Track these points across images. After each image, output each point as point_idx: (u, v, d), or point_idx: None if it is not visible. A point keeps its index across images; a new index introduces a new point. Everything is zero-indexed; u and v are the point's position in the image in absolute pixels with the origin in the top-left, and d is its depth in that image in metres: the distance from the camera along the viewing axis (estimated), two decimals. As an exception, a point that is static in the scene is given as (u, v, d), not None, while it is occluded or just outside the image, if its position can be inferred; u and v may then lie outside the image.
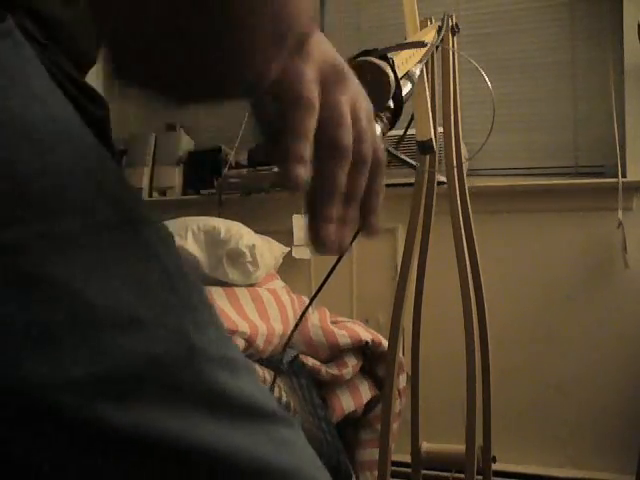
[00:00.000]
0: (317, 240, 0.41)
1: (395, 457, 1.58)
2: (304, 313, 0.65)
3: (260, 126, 0.43)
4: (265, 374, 1.58)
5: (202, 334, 0.38)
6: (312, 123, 0.39)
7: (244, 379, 0.39)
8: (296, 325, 0.78)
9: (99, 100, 0.46)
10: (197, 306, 0.39)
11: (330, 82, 0.41)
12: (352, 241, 0.46)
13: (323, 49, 0.43)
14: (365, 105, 0.44)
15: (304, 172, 0.38)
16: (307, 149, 0.38)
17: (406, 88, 0.64)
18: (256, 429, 0.38)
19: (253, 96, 0.40)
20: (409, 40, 1.05)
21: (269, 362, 1.67)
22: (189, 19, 0.31)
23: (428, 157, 1.42)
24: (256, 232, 2.06)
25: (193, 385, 0.36)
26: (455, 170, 1.43)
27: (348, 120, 0.42)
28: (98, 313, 0.34)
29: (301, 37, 0.38)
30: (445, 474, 1.97)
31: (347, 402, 1.81)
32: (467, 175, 1.56)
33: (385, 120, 0.59)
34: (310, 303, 0.63)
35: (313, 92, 0.40)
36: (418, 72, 0.72)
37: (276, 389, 1.55)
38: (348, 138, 0.41)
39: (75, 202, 0.35)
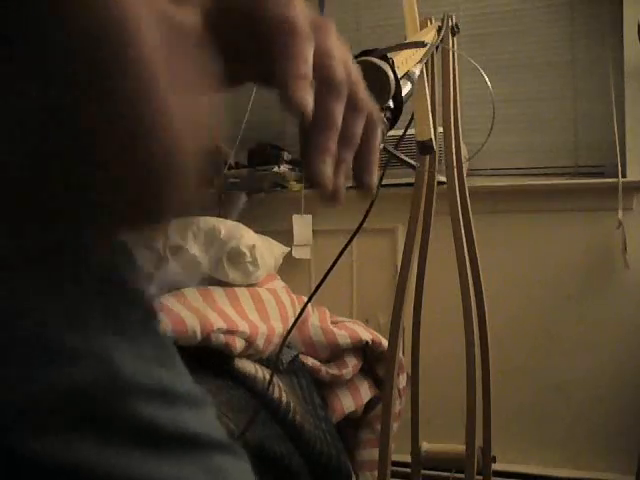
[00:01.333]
0: (312, 174, 0.38)
1: (395, 457, 1.58)
2: (303, 310, 0.65)
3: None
4: (265, 374, 1.58)
5: (137, 367, 0.36)
6: (311, 50, 0.37)
7: (178, 409, 0.38)
8: (294, 323, 0.78)
9: None
10: (134, 333, 0.38)
11: (317, 26, 0.39)
12: (352, 238, 0.45)
13: (304, 6, 0.41)
14: (351, 59, 0.43)
15: (309, 93, 0.36)
16: (309, 71, 0.36)
17: (406, 88, 0.64)
18: (188, 459, 0.37)
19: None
20: (409, 40, 1.05)
21: (269, 362, 1.67)
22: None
23: (428, 157, 1.42)
24: (256, 232, 2.06)
25: (118, 415, 0.35)
26: (455, 170, 1.43)
27: (341, 60, 0.40)
28: (19, 340, 0.32)
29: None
30: (445, 474, 1.97)
31: (347, 402, 1.81)
32: (467, 175, 1.56)
33: (385, 120, 0.59)
34: (309, 300, 0.63)
35: (307, 24, 0.38)
36: (418, 72, 0.72)
37: (276, 389, 1.55)
38: (342, 73, 0.39)
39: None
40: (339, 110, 0.39)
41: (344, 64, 0.40)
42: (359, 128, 0.41)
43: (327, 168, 0.38)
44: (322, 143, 0.38)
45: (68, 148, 0.26)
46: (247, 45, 0.39)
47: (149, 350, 0.38)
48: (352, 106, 0.40)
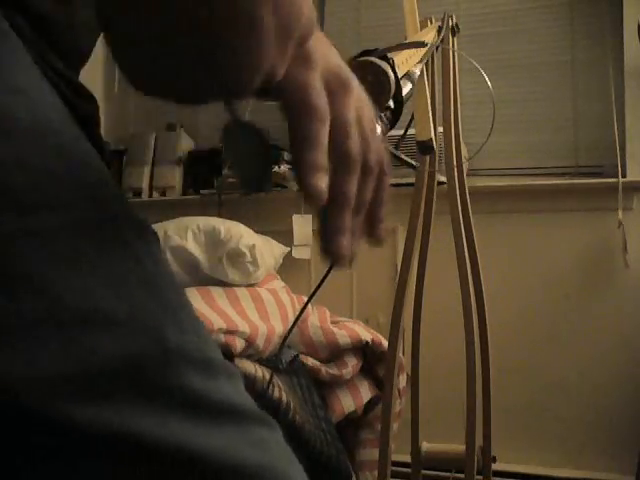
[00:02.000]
0: (331, 252, 0.42)
1: (395, 457, 1.58)
2: (302, 311, 0.65)
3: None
4: (265, 374, 1.58)
5: (179, 335, 0.37)
6: (326, 133, 0.39)
7: (221, 381, 0.39)
8: (294, 323, 0.78)
9: (87, 96, 0.45)
10: (176, 307, 0.39)
11: (334, 90, 0.41)
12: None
13: (326, 53, 0.43)
14: (368, 113, 0.45)
15: (324, 182, 0.38)
16: (324, 159, 0.39)
17: (406, 88, 0.64)
18: (231, 429, 0.38)
19: (262, 96, 0.40)
20: (409, 40, 1.05)
21: (269, 362, 1.67)
22: (193, 16, 0.32)
23: (428, 157, 1.42)
24: (256, 232, 2.06)
25: (168, 386, 0.36)
26: (455, 170, 1.43)
27: (355, 130, 0.42)
28: (71, 310, 0.33)
29: (303, 38, 0.38)
30: (445, 474, 1.97)
31: (347, 402, 1.81)
32: (467, 175, 1.56)
33: (385, 120, 0.59)
34: (308, 301, 0.63)
35: (324, 102, 0.40)
36: (418, 72, 0.72)
37: (276, 389, 1.55)
38: (357, 148, 0.42)
39: (54, 198, 0.34)
40: (353, 187, 0.42)
41: (361, 128, 0.43)
42: (369, 194, 0.45)
43: (344, 249, 0.42)
44: (338, 225, 0.42)
45: None
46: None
47: (187, 321, 0.39)
48: (365, 173, 0.43)
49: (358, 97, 0.44)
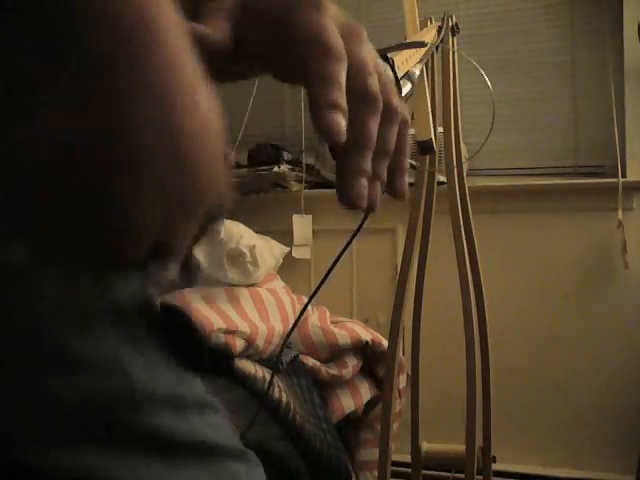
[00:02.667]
0: (349, 194, 0.38)
1: (395, 457, 1.58)
2: (303, 312, 0.65)
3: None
4: (265, 374, 1.58)
5: (149, 376, 0.36)
6: (344, 71, 0.37)
7: (192, 417, 0.38)
8: (294, 324, 0.77)
9: None
10: (147, 345, 0.38)
11: (349, 35, 0.39)
12: (352, 238, 0.45)
13: (337, 12, 0.41)
14: (382, 65, 0.43)
15: (342, 119, 0.36)
16: (343, 97, 0.36)
17: (406, 88, 0.64)
18: (203, 467, 0.38)
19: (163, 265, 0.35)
20: (409, 40, 1.05)
21: (269, 362, 1.67)
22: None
23: (428, 157, 1.42)
24: (256, 232, 2.06)
25: (134, 427, 0.35)
26: (455, 170, 1.43)
27: (374, 70, 0.40)
28: (34, 349, 0.32)
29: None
30: (445, 474, 1.97)
31: (347, 402, 1.81)
32: (467, 175, 1.56)
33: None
34: (309, 301, 0.63)
35: (340, 41, 0.38)
36: (418, 72, 0.72)
37: (276, 389, 1.55)
38: (377, 86, 0.39)
39: None
40: (374, 126, 0.39)
41: (377, 73, 0.40)
42: (393, 139, 0.41)
43: (363, 190, 0.38)
44: (358, 165, 0.38)
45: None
46: (274, 51, 0.39)
47: (160, 357, 0.38)
48: (386, 116, 0.40)
49: (372, 48, 0.42)
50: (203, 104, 0.27)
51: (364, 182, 0.38)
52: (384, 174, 0.41)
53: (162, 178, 0.26)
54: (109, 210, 0.25)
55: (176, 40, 0.26)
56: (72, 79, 0.24)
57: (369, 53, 0.40)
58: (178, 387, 0.39)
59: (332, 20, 0.38)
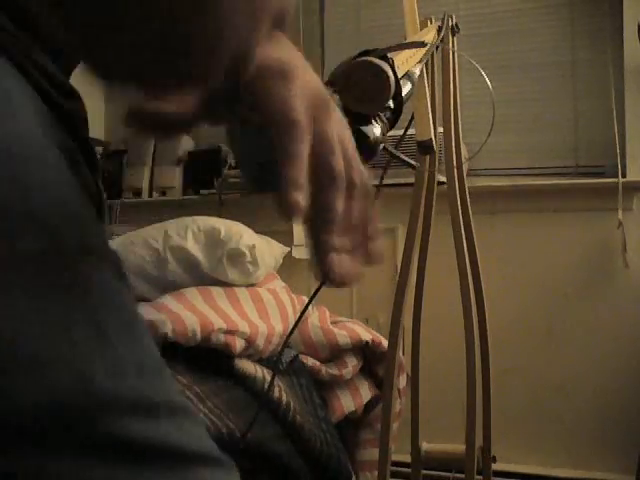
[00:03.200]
0: (326, 272, 0.40)
1: (395, 457, 1.58)
2: (303, 312, 0.65)
3: (247, 160, 0.42)
4: (265, 374, 1.58)
5: (114, 378, 0.35)
6: (307, 149, 0.39)
7: (161, 422, 0.37)
8: (295, 325, 0.77)
9: (72, 93, 0.44)
10: (118, 345, 0.36)
11: (315, 107, 0.41)
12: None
13: (308, 78, 0.42)
14: (349, 135, 0.44)
15: (303, 198, 0.37)
16: (304, 175, 0.38)
17: (406, 88, 0.64)
18: (171, 474, 0.37)
19: (239, 78, 0.38)
20: (409, 40, 1.05)
21: (269, 362, 1.67)
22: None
23: (428, 157, 1.42)
24: (256, 232, 2.06)
25: (94, 432, 0.34)
26: (455, 170, 1.43)
27: (338, 147, 0.42)
28: None
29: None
30: (445, 474, 1.97)
31: (347, 402, 1.81)
32: (467, 175, 1.56)
33: (385, 120, 0.59)
34: (309, 302, 0.63)
35: (305, 118, 0.39)
36: (418, 72, 0.72)
37: (276, 389, 1.55)
38: (341, 165, 0.41)
39: (5, 225, 0.32)
40: (339, 202, 0.41)
41: (343, 148, 0.42)
42: (359, 206, 0.44)
43: (338, 263, 0.41)
44: (329, 242, 0.40)
45: None
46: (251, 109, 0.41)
47: (130, 358, 0.37)
48: (350, 192, 0.42)
49: (338, 117, 0.43)
50: None
51: (338, 259, 0.40)
52: (358, 245, 0.44)
53: None
54: (197, 19, 0.30)
55: None
56: None
57: (335, 126, 0.42)
58: (148, 389, 0.38)
59: (300, 90, 0.39)
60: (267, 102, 0.38)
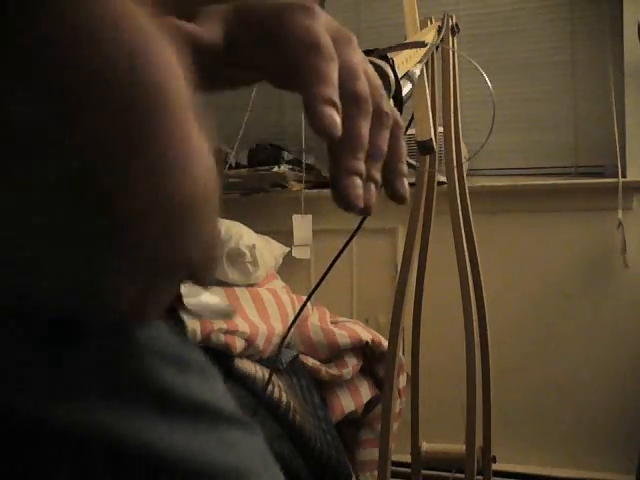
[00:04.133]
0: (342, 194, 0.38)
1: (395, 457, 1.58)
2: (302, 309, 0.65)
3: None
4: (265, 374, 1.58)
5: (151, 333, 0.36)
6: (336, 72, 0.38)
7: (194, 378, 0.38)
8: (293, 321, 0.77)
9: None
10: None
11: (339, 40, 0.40)
12: (351, 238, 0.45)
13: (326, 17, 0.42)
14: (372, 69, 0.43)
15: (337, 117, 0.36)
16: (336, 95, 0.37)
17: (406, 88, 0.64)
18: (202, 429, 0.37)
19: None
20: (409, 40, 1.05)
21: (269, 362, 1.67)
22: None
23: (428, 157, 1.42)
24: (256, 232, 2.06)
25: (135, 378, 0.35)
26: (455, 170, 1.43)
27: (363, 75, 0.40)
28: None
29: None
30: (445, 474, 1.97)
31: (347, 402, 1.81)
32: (467, 175, 1.56)
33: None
34: (308, 298, 0.63)
35: (330, 43, 0.38)
36: (418, 72, 0.72)
37: (276, 389, 1.55)
38: (367, 90, 0.40)
39: None
40: (365, 127, 0.39)
41: (368, 78, 0.41)
42: (385, 141, 0.41)
43: (357, 190, 0.38)
44: (351, 165, 0.38)
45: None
46: (266, 53, 0.40)
47: (167, 326, 0.39)
48: (378, 120, 0.40)
49: (362, 54, 0.43)
50: (198, 165, 0.27)
51: (358, 182, 0.38)
52: (378, 176, 0.41)
53: (148, 242, 0.26)
54: (89, 269, 0.26)
55: (176, 99, 0.26)
56: (63, 132, 0.24)
57: (359, 58, 0.41)
58: (181, 349, 0.39)
59: (323, 25, 0.39)
60: (291, 32, 0.37)
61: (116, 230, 0.25)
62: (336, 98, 0.36)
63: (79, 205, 0.25)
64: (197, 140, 0.27)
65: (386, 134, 0.41)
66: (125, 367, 0.35)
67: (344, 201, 0.38)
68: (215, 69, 0.41)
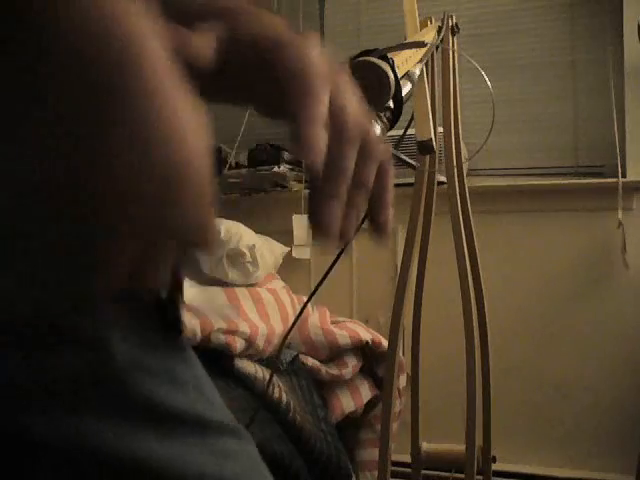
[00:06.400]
0: (319, 222, 0.37)
1: (395, 457, 1.58)
2: (301, 311, 0.65)
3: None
4: (265, 374, 1.58)
5: (130, 350, 0.37)
6: (327, 96, 0.37)
7: (187, 391, 0.39)
8: (293, 324, 0.77)
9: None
10: (137, 327, 0.38)
11: (332, 73, 0.40)
12: (354, 233, 0.44)
13: (319, 50, 0.41)
14: (362, 104, 0.43)
15: (322, 139, 0.35)
16: (325, 115, 0.36)
17: (406, 88, 0.64)
18: (192, 440, 0.38)
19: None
20: (409, 40, 1.05)
21: (269, 362, 1.67)
22: None
23: (428, 157, 1.42)
24: (256, 232, 2.06)
25: (127, 396, 0.35)
26: (455, 170, 1.43)
27: (352, 107, 0.40)
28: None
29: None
30: (445, 474, 1.97)
31: (347, 402, 1.81)
32: (467, 175, 1.56)
33: (385, 120, 0.59)
34: (308, 300, 0.63)
35: (322, 73, 0.38)
36: (418, 72, 0.72)
37: (276, 389, 1.55)
38: (355, 120, 0.39)
39: None
40: (351, 156, 0.38)
41: (357, 111, 0.40)
42: (371, 173, 0.40)
43: (333, 216, 0.37)
44: (330, 190, 0.37)
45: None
46: (255, 81, 0.40)
47: (156, 342, 0.39)
48: (364, 152, 0.40)
49: (351, 84, 0.42)
50: (190, 133, 0.26)
51: (334, 207, 0.37)
52: (359, 205, 0.40)
53: (144, 210, 0.25)
54: (86, 241, 0.25)
55: (161, 69, 0.26)
56: (47, 110, 0.23)
57: (350, 92, 0.41)
58: (171, 362, 0.39)
59: (317, 56, 0.38)
60: (288, 59, 0.37)
61: (103, 199, 0.25)
62: (324, 118, 0.36)
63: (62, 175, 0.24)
64: (180, 97, 0.27)
65: (372, 167, 0.41)
66: (108, 380, 0.35)
67: (319, 227, 0.37)
68: (200, 83, 0.41)
